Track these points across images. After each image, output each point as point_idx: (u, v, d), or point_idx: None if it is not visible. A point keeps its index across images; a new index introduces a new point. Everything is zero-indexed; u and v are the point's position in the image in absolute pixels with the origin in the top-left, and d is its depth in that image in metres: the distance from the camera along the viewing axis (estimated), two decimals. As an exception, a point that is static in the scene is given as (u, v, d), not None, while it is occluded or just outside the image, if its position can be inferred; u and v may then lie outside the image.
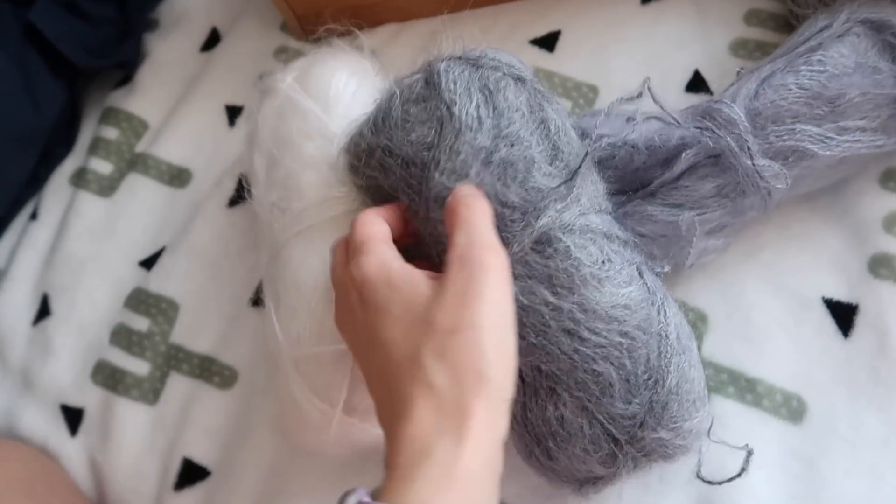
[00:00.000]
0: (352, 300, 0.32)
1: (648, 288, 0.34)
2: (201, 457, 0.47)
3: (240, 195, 0.53)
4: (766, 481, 0.38)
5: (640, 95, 0.37)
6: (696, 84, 0.48)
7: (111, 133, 0.58)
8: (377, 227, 0.33)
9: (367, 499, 0.26)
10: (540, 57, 0.51)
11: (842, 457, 0.38)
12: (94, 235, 0.55)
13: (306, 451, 0.41)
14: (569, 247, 0.33)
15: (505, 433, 0.29)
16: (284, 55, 0.57)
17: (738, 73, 0.40)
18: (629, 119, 0.39)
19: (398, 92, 0.37)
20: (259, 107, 0.45)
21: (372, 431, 0.38)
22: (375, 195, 0.39)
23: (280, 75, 0.45)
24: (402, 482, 0.26)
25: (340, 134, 0.41)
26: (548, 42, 0.52)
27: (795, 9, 0.45)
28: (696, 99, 0.47)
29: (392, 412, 0.29)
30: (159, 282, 0.52)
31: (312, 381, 0.37)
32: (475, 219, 0.31)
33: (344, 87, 0.44)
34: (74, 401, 0.50)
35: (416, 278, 0.30)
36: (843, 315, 0.40)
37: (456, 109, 0.34)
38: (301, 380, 0.38)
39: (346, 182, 0.41)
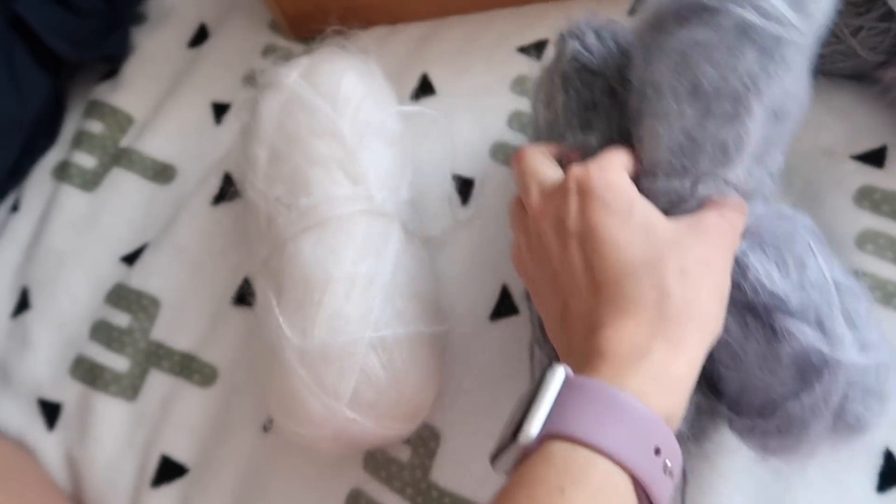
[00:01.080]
0: (567, 204, 0.32)
1: None
2: (179, 454, 0.47)
3: (224, 193, 0.53)
4: (734, 489, 0.39)
5: None
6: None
7: (96, 127, 0.58)
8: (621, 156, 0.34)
9: (572, 374, 0.28)
10: (527, 64, 0.52)
11: (809, 467, 0.39)
12: (75, 229, 0.55)
13: (299, 445, 0.41)
14: None
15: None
16: (273, 54, 0.57)
17: None
18: None
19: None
20: (261, 99, 0.45)
21: (370, 429, 0.38)
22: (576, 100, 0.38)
23: (284, 70, 0.45)
24: (620, 371, 0.28)
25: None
26: (536, 50, 0.52)
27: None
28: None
29: (613, 304, 0.30)
30: (141, 278, 0.51)
31: (319, 374, 0.38)
32: None
33: (353, 90, 0.44)
34: (52, 395, 0.50)
35: (655, 210, 0.32)
36: (815, 329, 0.41)
37: None
38: (305, 373, 0.38)
39: (359, 181, 0.41)
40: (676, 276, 0.29)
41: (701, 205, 0.33)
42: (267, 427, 0.46)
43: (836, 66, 0.44)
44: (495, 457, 0.29)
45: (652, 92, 0.33)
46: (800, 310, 0.31)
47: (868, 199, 0.43)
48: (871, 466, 0.38)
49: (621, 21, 0.40)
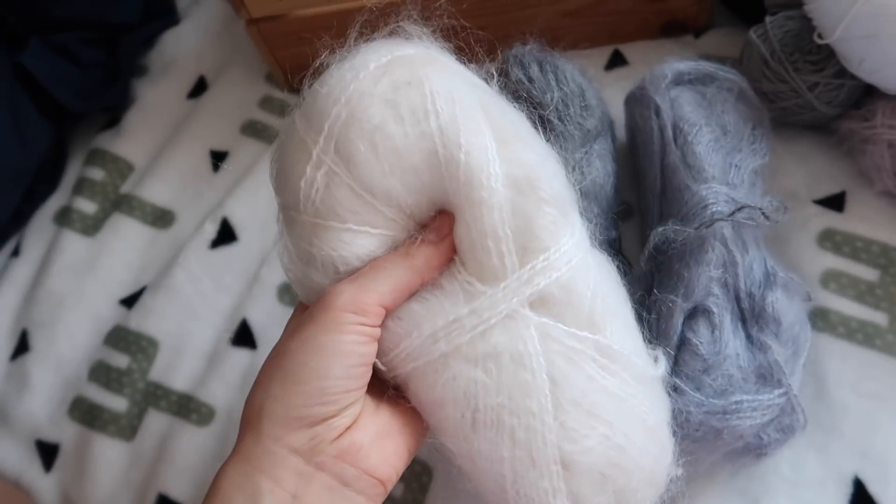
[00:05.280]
0: None
1: None
2: (177, 493, 0.47)
3: (222, 238, 0.54)
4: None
5: None
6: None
7: (97, 174, 0.60)
8: None
9: None
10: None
11: (783, 495, 0.41)
12: (75, 273, 0.56)
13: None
14: None
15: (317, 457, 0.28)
16: (269, 105, 0.60)
17: None
18: None
19: None
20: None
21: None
22: None
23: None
24: None
25: None
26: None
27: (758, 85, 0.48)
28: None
29: None
30: (140, 320, 0.53)
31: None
32: (373, 271, 0.30)
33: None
34: (50, 436, 0.51)
35: None
36: (786, 363, 0.44)
37: None
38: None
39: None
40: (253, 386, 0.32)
41: None
42: None
43: (796, 118, 0.47)
44: None
45: None
46: None
47: (830, 240, 0.46)
48: (842, 494, 0.40)
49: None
